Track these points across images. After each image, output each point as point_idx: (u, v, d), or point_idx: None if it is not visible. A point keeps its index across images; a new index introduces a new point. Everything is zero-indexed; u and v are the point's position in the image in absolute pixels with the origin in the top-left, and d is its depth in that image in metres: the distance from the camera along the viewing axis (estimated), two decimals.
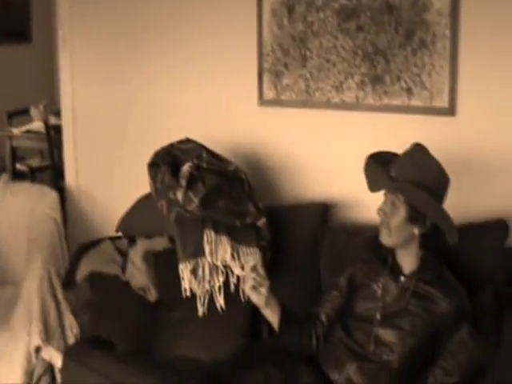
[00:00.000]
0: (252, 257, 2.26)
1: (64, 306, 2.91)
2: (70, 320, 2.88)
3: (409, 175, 2.07)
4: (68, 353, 2.58)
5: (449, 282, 2.16)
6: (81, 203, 3.36)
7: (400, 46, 2.60)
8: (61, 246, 3.10)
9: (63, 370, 2.57)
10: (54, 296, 2.88)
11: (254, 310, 2.51)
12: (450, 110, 2.54)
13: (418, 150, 2.14)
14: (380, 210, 2.14)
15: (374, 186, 2.17)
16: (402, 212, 2.10)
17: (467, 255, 2.31)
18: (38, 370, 2.74)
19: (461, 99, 2.53)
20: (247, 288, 2.15)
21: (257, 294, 2.14)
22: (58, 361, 2.79)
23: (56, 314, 2.87)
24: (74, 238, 3.28)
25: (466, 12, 2.48)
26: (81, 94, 3.30)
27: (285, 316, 2.19)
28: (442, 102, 2.55)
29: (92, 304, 2.61)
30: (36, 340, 2.69)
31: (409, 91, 2.60)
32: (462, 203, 2.47)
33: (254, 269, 2.13)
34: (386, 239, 2.15)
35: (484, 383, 2.00)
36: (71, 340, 2.88)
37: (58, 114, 3.49)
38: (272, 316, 2.19)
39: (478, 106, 2.51)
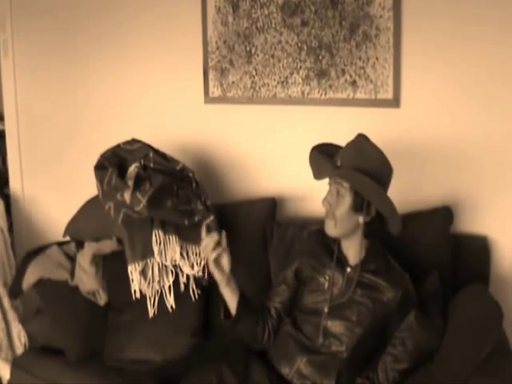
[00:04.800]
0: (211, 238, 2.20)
1: (11, 315, 2.85)
2: (17, 329, 2.82)
3: (353, 163, 2.07)
4: (17, 363, 2.52)
5: (394, 271, 2.17)
6: (27, 210, 3.29)
7: (344, 39, 2.61)
8: (7, 253, 3.05)
9: (12, 381, 2.50)
10: (0, 305, 2.81)
11: (204, 309, 2.50)
12: (395, 102, 2.56)
13: (362, 139, 2.14)
14: (325, 201, 2.14)
15: (319, 175, 2.16)
16: (347, 201, 2.10)
17: (413, 242, 2.33)
18: None
19: (405, 91, 2.56)
20: (211, 261, 2.11)
21: (220, 271, 2.13)
22: (6, 373, 2.72)
23: (3, 324, 2.79)
24: (21, 246, 3.21)
25: (408, 5, 2.51)
26: (24, 99, 3.24)
27: (242, 301, 2.17)
28: (387, 94, 2.57)
29: (41, 311, 2.56)
30: None
31: (354, 84, 2.62)
32: (407, 192, 2.51)
33: (216, 244, 2.10)
34: (332, 230, 2.15)
35: (432, 367, 2.02)
36: (20, 350, 2.81)
37: (0, 118, 3.39)
38: (231, 297, 2.16)
39: (422, 98, 2.54)
